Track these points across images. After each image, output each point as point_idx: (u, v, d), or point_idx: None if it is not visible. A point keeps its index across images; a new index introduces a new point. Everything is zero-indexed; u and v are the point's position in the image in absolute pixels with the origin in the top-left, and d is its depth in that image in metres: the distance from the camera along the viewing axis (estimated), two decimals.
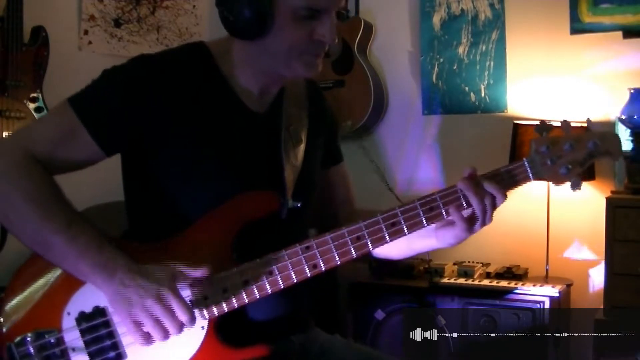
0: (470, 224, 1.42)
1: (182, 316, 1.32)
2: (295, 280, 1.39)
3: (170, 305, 1.31)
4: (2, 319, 1.40)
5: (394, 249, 1.57)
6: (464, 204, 1.41)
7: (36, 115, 2.74)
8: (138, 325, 1.33)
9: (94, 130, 1.40)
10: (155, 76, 1.43)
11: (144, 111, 1.41)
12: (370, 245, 1.40)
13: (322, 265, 1.39)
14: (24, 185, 1.36)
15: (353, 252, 1.40)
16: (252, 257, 1.39)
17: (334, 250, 1.39)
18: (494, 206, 1.42)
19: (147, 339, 1.34)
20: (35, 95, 2.76)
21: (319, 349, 1.59)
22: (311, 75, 1.50)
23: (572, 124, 1.44)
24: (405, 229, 1.41)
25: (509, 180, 1.43)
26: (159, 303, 1.31)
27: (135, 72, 1.44)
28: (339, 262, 1.40)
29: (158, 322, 1.32)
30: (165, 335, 1.33)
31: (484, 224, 1.43)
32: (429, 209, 1.41)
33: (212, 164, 1.45)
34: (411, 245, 1.55)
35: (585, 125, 1.45)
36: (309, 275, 1.40)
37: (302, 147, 1.57)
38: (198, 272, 1.34)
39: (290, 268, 1.39)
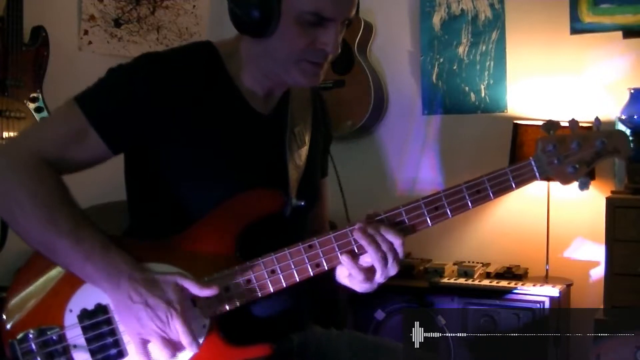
0: (370, 274, 1.38)
1: (185, 340, 1.33)
2: (297, 280, 1.39)
3: (177, 328, 1.32)
4: (4, 316, 1.40)
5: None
6: (356, 250, 1.39)
7: (36, 115, 2.74)
8: (145, 342, 1.35)
9: (102, 130, 1.40)
10: (161, 75, 1.43)
11: (150, 110, 1.41)
12: None
13: (324, 264, 1.39)
14: (32, 187, 1.36)
15: (355, 251, 1.39)
16: (255, 255, 1.39)
17: (337, 249, 1.39)
18: (395, 254, 1.37)
19: (148, 355, 1.36)
20: (35, 95, 2.76)
21: (317, 346, 1.60)
22: (309, 84, 1.49)
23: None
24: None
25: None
26: (169, 328, 1.32)
27: (141, 71, 1.43)
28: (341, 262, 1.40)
29: (165, 341, 1.34)
30: (172, 354, 1.35)
31: (386, 275, 1.38)
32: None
33: (217, 164, 1.45)
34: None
35: (590, 125, 1.43)
36: (311, 274, 1.39)
37: (306, 149, 1.57)
38: (206, 292, 1.34)
39: (293, 267, 1.39)
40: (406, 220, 1.40)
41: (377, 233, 1.36)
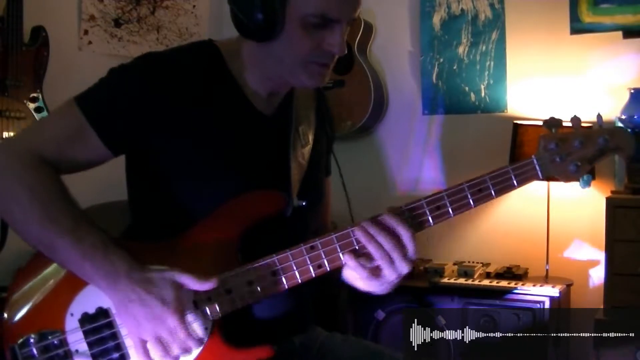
0: (376, 273, 1.36)
1: (187, 342, 1.32)
2: (299, 281, 1.39)
3: (176, 331, 1.31)
4: (5, 315, 1.39)
5: None
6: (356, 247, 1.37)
7: (36, 115, 2.74)
8: (143, 342, 1.33)
9: (102, 131, 1.39)
10: (163, 75, 1.42)
11: (151, 111, 1.40)
12: None
13: (327, 265, 1.39)
14: (31, 186, 1.35)
15: (357, 250, 1.38)
16: (256, 256, 1.39)
17: (339, 250, 1.38)
18: (403, 249, 1.35)
19: (149, 356, 1.34)
20: (35, 95, 2.76)
21: (319, 348, 1.60)
22: (316, 85, 1.48)
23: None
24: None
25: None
26: (163, 327, 1.31)
27: (142, 71, 1.42)
28: (344, 262, 1.39)
29: (162, 344, 1.32)
30: (169, 356, 1.33)
31: (397, 273, 1.36)
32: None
33: (219, 165, 1.45)
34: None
35: (591, 124, 1.43)
36: (313, 275, 1.39)
37: (309, 148, 1.57)
38: (205, 285, 1.33)
39: (295, 268, 1.38)
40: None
41: (380, 231, 1.34)
